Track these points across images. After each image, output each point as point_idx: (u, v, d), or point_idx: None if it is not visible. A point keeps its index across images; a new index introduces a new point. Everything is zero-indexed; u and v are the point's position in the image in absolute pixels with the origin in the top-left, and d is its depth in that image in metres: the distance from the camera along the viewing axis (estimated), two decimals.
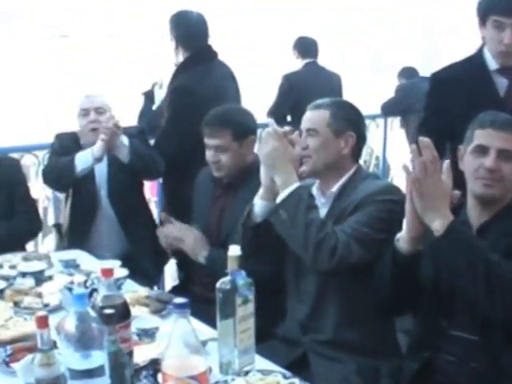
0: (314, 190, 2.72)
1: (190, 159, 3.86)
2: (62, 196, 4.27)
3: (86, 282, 2.06)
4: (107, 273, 2.00)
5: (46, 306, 2.70)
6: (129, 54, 13.71)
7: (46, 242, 5.01)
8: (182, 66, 4.23)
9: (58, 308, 2.67)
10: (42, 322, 1.78)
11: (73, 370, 1.78)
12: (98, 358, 1.79)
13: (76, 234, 3.90)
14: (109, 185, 3.91)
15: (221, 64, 4.39)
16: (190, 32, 4.23)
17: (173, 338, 1.79)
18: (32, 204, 3.90)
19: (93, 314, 1.80)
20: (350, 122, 2.72)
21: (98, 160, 3.72)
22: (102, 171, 3.91)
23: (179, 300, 1.79)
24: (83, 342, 1.77)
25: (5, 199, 3.67)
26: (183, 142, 4.05)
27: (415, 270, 2.30)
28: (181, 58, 4.24)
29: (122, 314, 1.98)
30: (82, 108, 3.89)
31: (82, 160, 3.73)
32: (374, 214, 2.50)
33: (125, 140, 3.74)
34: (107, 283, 2.00)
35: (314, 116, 2.70)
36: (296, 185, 2.53)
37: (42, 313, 1.83)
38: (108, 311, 1.85)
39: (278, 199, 2.53)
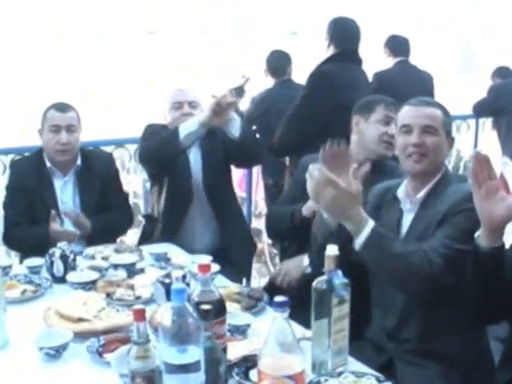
0: (400, 193, 2.64)
1: (311, 143, 3.80)
2: (152, 189, 4.30)
3: (184, 276, 2.06)
4: (204, 268, 1.99)
5: (138, 298, 2.73)
6: (216, 51, 13.78)
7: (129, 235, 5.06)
8: (328, 59, 4.42)
9: (149, 301, 2.68)
10: (139, 315, 1.78)
11: (169, 364, 1.77)
12: (194, 353, 1.78)
13: (169, 226, 3.90)
14: (204, 177, 3.91)
15: (362, 70, 4.55)
16: (344, 33, 4.44)
17: (270, 337, 1.78)
18: (125, 198, 3.96)
19: (190, 309, 1.79)
20: (451, 124, 2.66)
21: (203, 126, 3.65)
22: (196, 163, 3.92)
23: (279, 298, 1.77)
24: (180, 336, 1.77)
25: (99, 193, 3.73)
26: (310, 123, 4.12)
27: (498, 269, 2.18)
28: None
29: (218, 310, 1.97)
30: (174, 101, 3.89)
31: (187, 125, 3.66)
32: (463, 226, 2.38)
33: (236, 115, 3.72)
34: (204, 279, 2.00)
35: (431, 113, 2.58)
36: (369, 229, 2.38)
37: (139, 306, 1.83)
38: (205, 307, 1.84)
39: (356, 246, 2.41)
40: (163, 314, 2.22)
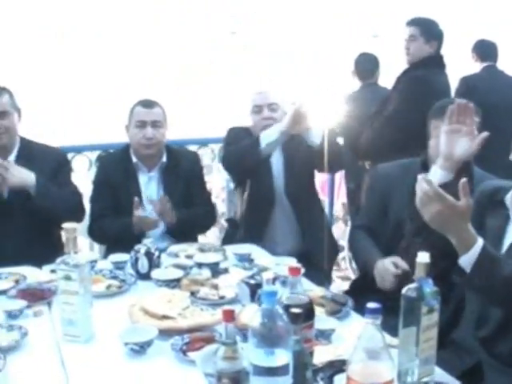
0: (509, 199, 2.55)
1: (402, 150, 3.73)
2: (236, 190, 4.31)
3: (275, 279, 2.03)
4: (295, 271, 1.96)
5: (222, 298, 2.72)
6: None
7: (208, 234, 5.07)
8: (418, 63, 4.44)
9: (233, 301, 2.67)
10: (229, 316, 1.76)
11: (257, 366, 1.75)
12: (283, 356, 1.75)
13: (251, 229, 3.91)
14: (286, 180, 3.90)
15: (446, 74, 4.54)
16: (440, 35, 4.51)
17: (360, 343, 1.73)
18: (208, 197, 3.96)
19: (281, 311, 1.76)
20: None
21: (284, 135, 3.67)
22: (278, 166, 3.91)
23: (372, 305, 1.73)
24: (269, 339, 1.74)
25: (183, 190, 3.74)
26: (405, 129, 4.08)
27: None
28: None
29: (307, 313, 1.94)
30: (254, 104, 3.91)
31: (267, 134, 3.71)
32: None
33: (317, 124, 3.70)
34: (293, 281, 1.97)
35: None
36: (478, 248, 2.24)
37: (227, 306, 1.81)
38: (295, 310, 1.82)
39: (461, 263, 2.26)
40: (250, 315, 2.22)
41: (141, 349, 2.27)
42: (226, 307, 1.79)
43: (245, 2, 13.63)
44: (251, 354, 1.77)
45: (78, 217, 3.49)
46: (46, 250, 3.48)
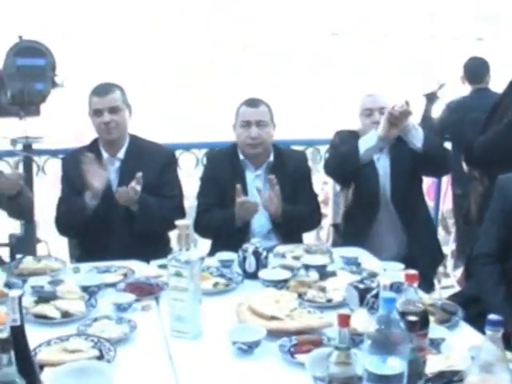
0: None
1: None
2: (341, 192, 4.27)
3: (392, 285, 1.98)
4: (411, 278, 1.91)
5: (330, 301, 2.68)
6: (398, 54, 13.52)
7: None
8: None
9: (341, 305, 2.63)
10: (344, 321, 1.73)
11: (371, 373, 1.71)
12: (398, 364, 1.70)
13: (355, 234, 3.86)
14: (392, 184, 3.83)
15: None
16: None
17: (479, 355, 1.67)
18: (314, 198, 3.92)
19: (398, 319, 1.71)
20: None
21: (382, 140, 3.62)
22: (385, 170, 3.85)
23: (494, 317, 1.66)
24: (384, 346, 1.70)
25: (289, 190, 3.72)
26: None
27: None
28: None
29: (423, 321, 1.88)
30: (365, 108, 3.85)
31: (366, 140, 3.68)
32: None
33: (417, 125, 3.63)
34: (409, 288, 1.91)
35: None
36: None
37: (344, 311, 1.78)
38: (412, 318, 1.77)
39: None
40: (358, 320, 2.19)
41: (249, 348, 2.26)
42: (342, 312, 1.75)
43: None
44: (365, 361, 1.73)
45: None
46: (153, 245, 3.54)
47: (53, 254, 3.95)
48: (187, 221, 2.40)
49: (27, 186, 4.17)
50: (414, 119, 3.93)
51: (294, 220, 3.65)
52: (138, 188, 3.41)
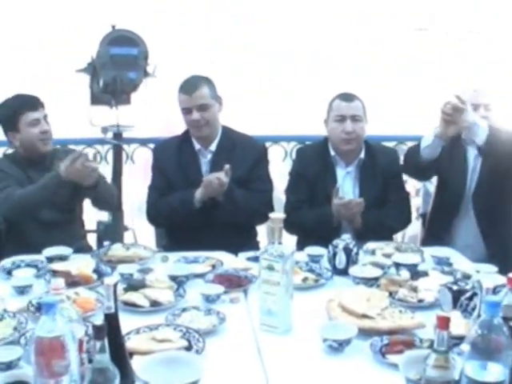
0: None
1: None
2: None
3: (495, 288, 1.91)
4: None
5: (421, 301, 2.61)
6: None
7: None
8: None
9: (432, 306, 2.56)
10: (444, 323, 1.66)
11: (470, 379, 1.64)
12: (499, 371, 1.63)
13: (436, 230, 3.77)
14: (477, 182, 3.69)
15: None
16: None
17: None
18: (405, 196, 3.83)
19: (501, 323, 1.64)
20: None
21: (440, 138, 3.46)
22: (475, 167, 3.71)
23: None
24: (485, 351, 1.63)
25: (380, 188, 3.65)
26: None
27: None
28: None
29: None
30: (471, 103, 3.71)
31: (425, 138, 3.55)
32: None
33: (481, 122, 3.45)
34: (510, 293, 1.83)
35: None
36: None
37: (444, 313, 1.71)
38: None
39: None
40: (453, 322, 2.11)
41: (339, 346, 2.21)
42: (442, 314, 1.69)
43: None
44: (465, 366, 1.66)
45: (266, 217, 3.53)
46: (241, 238, 3.52)
47: (139, 242, 3.99)
48: (281, 214, 2.35)
49: (116, 177, 4.22)
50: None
51: (377, 228, 3.56)
52: (225, 179, 3.38)
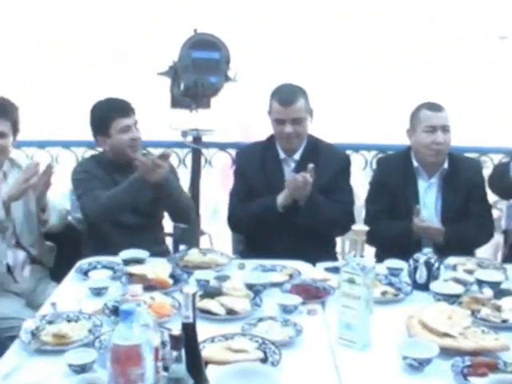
0: None
1: None
2: None
3: None
4: None
5: (505, 321, 2.51)
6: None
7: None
8: None
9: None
10: None
11: None
12: None
13: None
14: None
15: None
16: None
17: None
18: (488, 208, 3.72)
19: None
20: None
21: None
22: None
23: None
24: None
25: (463, 199, 3.56)
26: None
27: None
28: None
29: None
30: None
31: None
32: None
33: None
34: None
35: None
36: None
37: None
38: None
39: None
40: None
41: (419, 365, 2.14)
42: None
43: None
44: None
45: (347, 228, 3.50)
46: (319, 247, 3.47)
47: (215, 247, 3.98)
48: (364, 226, 2.29)
49: (194, 181, 4.21)
50: None
51: (460, 242, 3.46)
52: (310, 179, 3.34)
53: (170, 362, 1.67)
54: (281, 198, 3.48)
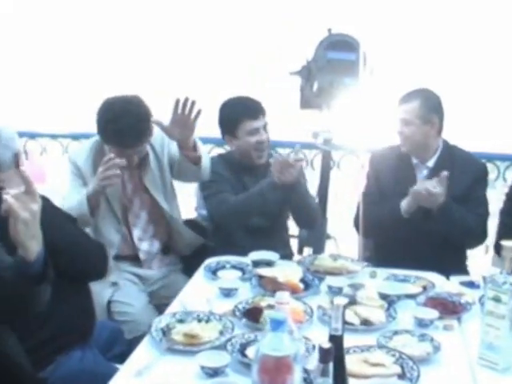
0: None
1: None
2: None
3: None
4: None
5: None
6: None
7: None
8: None
9: None
10: None
11: None
12: None
13: None
14: None
15: None
16: None
17: None
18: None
19: None
20: None
21: None
22: None
23: None
24: None
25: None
26: None
27: None
28: None
29: None
30: None
31: None
32: None
33: None
34: None
35: None
36: None
37: None
38: None
39: None
40: None
41: None
42: None
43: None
44: None
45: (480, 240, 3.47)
46: (451, 259, 3.38)
47: (341, 252, 3.93)
48: None
49: (323, 184, 4.17)
50: None
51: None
52: (435, 190, 3.24)
53: (315, 373, 1.63)
54: (404, 204, 3.41)
